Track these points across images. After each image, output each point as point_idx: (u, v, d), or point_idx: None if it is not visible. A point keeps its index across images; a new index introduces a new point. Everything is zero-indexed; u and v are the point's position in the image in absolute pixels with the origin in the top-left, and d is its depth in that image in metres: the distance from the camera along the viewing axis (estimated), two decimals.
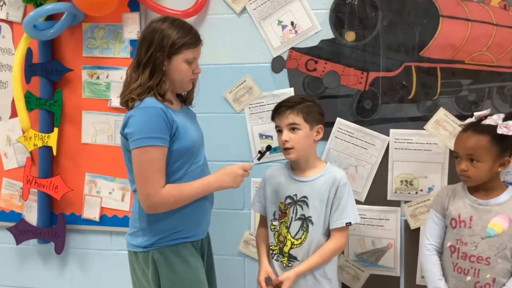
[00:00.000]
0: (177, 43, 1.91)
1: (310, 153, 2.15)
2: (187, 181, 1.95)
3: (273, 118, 2.15)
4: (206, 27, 2.46)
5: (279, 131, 2.11)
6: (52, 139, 2.65)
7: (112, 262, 2.73)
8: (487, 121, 1.97)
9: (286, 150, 2.09)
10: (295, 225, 2.11)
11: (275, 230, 2.16)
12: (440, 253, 2.08)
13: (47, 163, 2.70)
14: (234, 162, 2.48)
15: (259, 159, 2.10)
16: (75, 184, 2.70)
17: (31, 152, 2.73)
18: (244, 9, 2.46)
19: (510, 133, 1.91)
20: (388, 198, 2.38)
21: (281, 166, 2.23)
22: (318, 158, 2.21)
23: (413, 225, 2.37)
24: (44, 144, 2.66)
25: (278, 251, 2.15)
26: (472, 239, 1.97)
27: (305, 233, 2.10)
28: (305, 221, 2.10)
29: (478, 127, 1.97)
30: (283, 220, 2.14)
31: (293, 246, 2.11)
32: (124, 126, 1.91)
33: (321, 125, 2.13)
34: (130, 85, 1.94)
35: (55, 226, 2.73)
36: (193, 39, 1.96)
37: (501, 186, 2.03)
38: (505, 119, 1.95)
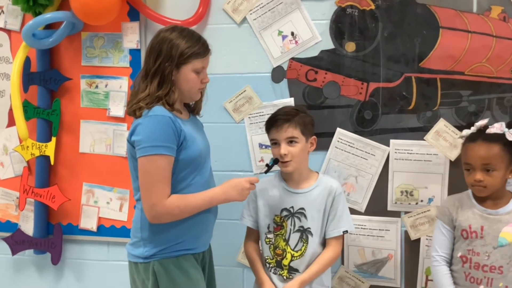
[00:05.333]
0: (186, 53, 1.90)
1: (304, 165, 2.14)
2: (192, 192, 1.93)
3: (268, 130, 2.13)
4: (207, 37, 2.38)
5: (275, 143, 2.09)
6: (49, 149, 2.63)
7: (110, 273, 2.69)
8: (492, 130, 1.98)
9: (284, 163, 2.07)
10: (294, 237, 2.10)
11: (270, 243, 2.14)
12: (450, 264, 2.08)
13: (44, 172, 2.68)
14: (233, 172, 2.49)
15: (266, 172, 2.08)
16: (72, 194, 2.67)
17: (28, 162, 2.70)
18: (245, 19, 2.46)
19: None
20: (388, 208, 2.38)
21: (271, 178, 2.20)
22: (309, 169, 2.20)
23: (413, 236, 2.36)
24: (41, 153, 2.64)
25: (275, 264, 2.12)
26: (484, 249, 1.98)
27: (305, 244, 2.09)
28: (304, 232, 2.09)
29: (487, 136, 1.98)
30: (279, 232, 2.12)
31: (293, 259, 2.09)
32: (132, 133, 1.90)
33: (314, 137, 2.13)
34: (138, 95, 1.93)
35: (51, 236, 2.70)
36: (201, 49, 1.95)
37: (507, 194, 2.04)
38: (508, 127, 1.98)
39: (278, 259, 2.12)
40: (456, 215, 2.05)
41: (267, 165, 2.08)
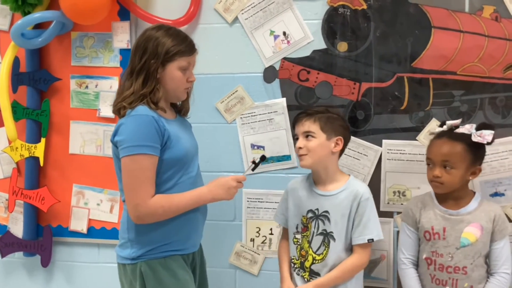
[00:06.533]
0: (171, 51, 1.89)
1: (329, 165, 2.09)
2: (178, 192, 1.91)
3: (293, 126, 2.14)
4: (198, 37, 2.44)
5: (297, 139, 2.10)
6: (39, 150, 2.60)
7: (100, 275, 2.67)
8: (460, 130, 1.99)
9: (300, 156, 2.07)
10: (317, 240, 2.07)
11: (298, 243, 2.12)
12: (417, 266, 2.09)
13: (33, 174, 2.65)
14: (225, 173, 2.47)
15: (253, 169, 2.07)
16: (62, 196, 2.64)
17: (17, 163, 2.67)
18: (236, 18, 2.45)
19: (484, 142, 1.95)
20: (381, 209, 2.37)
21: (303, 178, 2.19)
22: (340, 171, 2.15)
23: None
24: (30, 154, 2.61)
25: (300, 265, 2.11)
26: (447, 250, 1.99)
27: (326, 248, 2.05)
28: (327, 236, 2.06)
29: (452, 135, 1.99)
30: (305, 234, 2.10)
31: (314, 262, 2.06)
32: (115, 133, 1.88)
33: (341, 137, 2.07)
34: (123, 93, 1.92)
35: (41, 238, 2.67)
36: (187, 47, 1.94)
37: (469, 193, 2.05)
38: (477, 129, 1.98)
39: (302, 260, 2.10)
40: (420, 216, 2.06)
41: (253, 162, 2.07)
